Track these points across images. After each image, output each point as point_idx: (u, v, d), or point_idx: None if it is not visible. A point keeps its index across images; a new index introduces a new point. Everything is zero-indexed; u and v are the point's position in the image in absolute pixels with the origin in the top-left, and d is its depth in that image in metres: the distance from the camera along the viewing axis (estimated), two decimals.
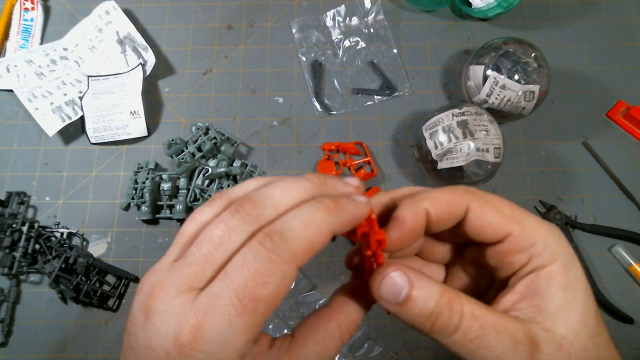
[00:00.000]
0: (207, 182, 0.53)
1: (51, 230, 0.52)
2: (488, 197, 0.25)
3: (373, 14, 0.61)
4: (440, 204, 0.25)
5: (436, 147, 0.48)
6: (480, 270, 0.28)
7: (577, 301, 0.23)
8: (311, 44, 0.61)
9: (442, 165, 0.48)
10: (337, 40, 0.61)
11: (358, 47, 0.60)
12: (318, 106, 0.58)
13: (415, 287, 0.23)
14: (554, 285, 0.23)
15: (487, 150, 0.47)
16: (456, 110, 0.48)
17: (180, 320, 0.20)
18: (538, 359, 0.22)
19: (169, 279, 0.22)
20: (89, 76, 0.59)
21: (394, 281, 0.23)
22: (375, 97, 0.58)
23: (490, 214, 0.24)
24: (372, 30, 0.61)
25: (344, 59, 0.60)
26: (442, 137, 0.48)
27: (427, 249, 0.29)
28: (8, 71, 0.59)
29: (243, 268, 0.21)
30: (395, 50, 0.60)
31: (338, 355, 0.48)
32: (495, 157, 0.47)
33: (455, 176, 0.48)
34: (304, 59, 0.60)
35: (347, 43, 0.61)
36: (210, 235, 0.22)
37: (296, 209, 0.22)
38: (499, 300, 0.24)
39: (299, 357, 0.23)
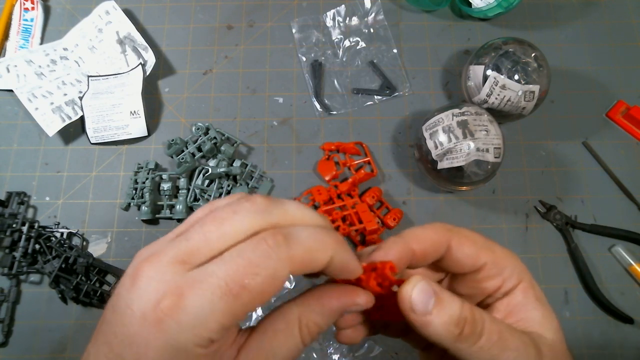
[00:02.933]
0: (207, 182, 0.53)
1: (51, 230, 0.52)
2: (464, 231, 0.27)
3: (373, 14, 0.61)
4: (425, 241, 0.26)
5: (436, 147, 0.48)
6: None
7: (550, 310, 0.26)
8: (311, 44, 0.61)
9: (442, 165, 0.48)
10: (337, 40, 0.61)
11: (358, 47, 0.60)
12: (318, 106, 0.58)
13: (441, 295, 0.23)
14: (531, 298, 0.26)
15: (487, 150, 0.47)
16: (456, 110, 0.48)
17: (166, 286, 0.21)
18: (542, 355, 0.24)
19: (165, 249, 0.22)
20: (89, 76, 0.59)
21: (423, 287, 0.23)
22: (375, 97, 0.58)
23: (469, 247, 0.26)
24: (372, 30, 0.61)
25: (344, 59, 0.60)
26: (442, 137, 0.48)
27: None
28: (8, 71, 0.59)
29: (239, 256, 0.21)
30: (395, 50, 0.60)
31: (338, 355, 0.48)
32: (495, 157, 0.47)
33: (455, 176, 0.48)
34: (304, 59, 0.60)
35: (347, 43, 0.61)
36: (215, 216, 0.22)
37: (308, 225, 0.23)
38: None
39: (252, 351, 0.23)
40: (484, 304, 0.27)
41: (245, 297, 0.21)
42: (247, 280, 0.21)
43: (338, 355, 0.48)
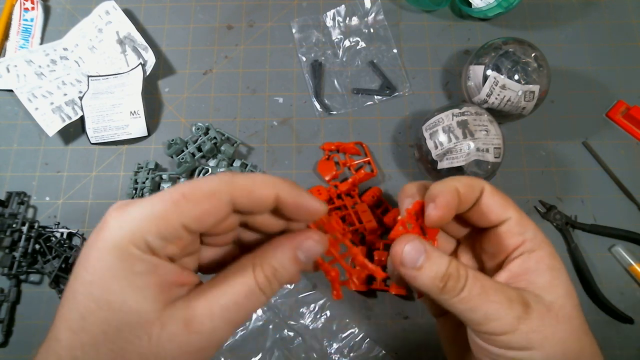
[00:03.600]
0: None
1: (51, 230, 0.52)
2: (492, 186, 0.29)
3: (373, 14, 0.61)
4: (465, 185, 0.28)
5: (436, 147, 0.48)
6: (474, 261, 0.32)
7: (562, 280, 0.27)
8: (311, 44, 0.61)
9: (442, 165, 0.48)
10: (337, 40, 0.61)
11: (358, 47, 0.60)
12: (318, 106, 0.58)
13: (431, 254, 0.26)
14: (543, 266, 0.27)
15: (487, 150, 0.47)
16: (456, 110, 0.48)
17: (122, 204, 0.23)
18: (530, 314, 0.26)
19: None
20: (89, 76, 0.59)
21: (415, 246, 0.26)
22: (375, 97, 0.58)
23: (499, 199, 0.28)
24: (372, 30, 0.61)
25: (344, 59, 0.60)
26: (442, 137, 0.48)
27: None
28: (8, 71, 0.59)
29: (187, 181, 0.24)
30: (395, 50, 0.60)
31: (338, 355, 0.48)
32: (495, 157, 0.47)
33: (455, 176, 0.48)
34: (304, 59, 0.60)
35: (347, 43, 0.61)
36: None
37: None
38: (494, 278, 0.28)
39: (204, 291, 0.23)
40: (505, 265, 0.28)
41: (183, 205, 0.22)
42: (187, 191, 0.22)
43: (338, 356, 0.48)
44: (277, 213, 0.26)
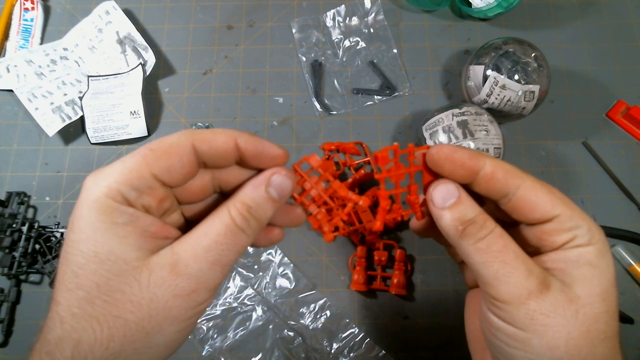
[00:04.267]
0: None
1: (51, 230, 0.52)
2: (537, 179, 0.27)
3: (373, 14, 0.61)
4: (501, 167, 0.26)
5: None
6: None
7: (601, 279, 0.25)
8: (311, 44, 0.61)
9: None
10: (337, 40, 0.61)
11: (358, 47, 0.60)
12: (318, 106, 0.58)
13: (463, 199, 0.27)
14: (584, 260, 0.25)
15: (487, 150, 0.47)
16: (456, 110, 0.48)
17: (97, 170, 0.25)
18: (545, 295, 0.24)
19: None
20: (89, 76, 0.59)
21: (449, 188, 0.27)
22: (375, 97, 0.58)
23: (544, 194, 0.26)
24: (372, 30, 0.61)
25: (344, 59, 0.60)
26: (442, 137, 0.48)
27: None
28: (8, 71, 0.59)
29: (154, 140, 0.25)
30: (395, 50, 0.60)
31: (339, 355, 0.48)
32: (496, 157, 0.47)
33: None
34: (304, 59, 0.60)
35: (347, 43, 0.61)
36: None
37: None
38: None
39: (186, 236, 0.25)
40: (546, 251, 0.27)
41: (150, 157, 0.24)
42: (153, 146, 0.24)
43: (338, 356, 0.48)
44: (244, 165, 0.28)
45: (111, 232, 0.23)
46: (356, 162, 0.55)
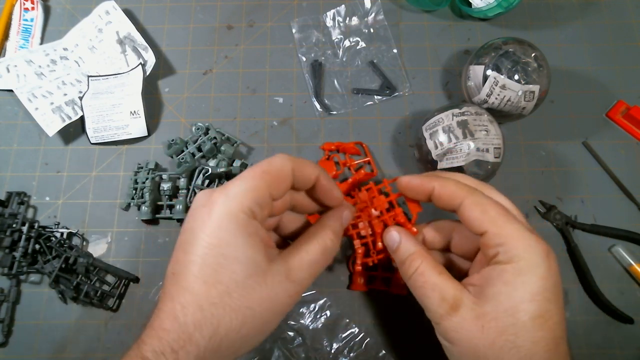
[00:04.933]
0: (207, 182, 0.53)
1: (51, 230, 0.52)
2: (481, 198, 0.33)
3: (373, 14, 0.61)
4: (445, 189, 0.35)
5: (436, 147, 0.48)
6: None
7: (511, 296, 0.30)
8: (311, 44, 0.61)
9: (442, 165, 0.48)
10: (337, 40, 0.61)
11: (358, 47, 0.60)
12: (318, 106, 0.58)
13: (402, 243, 0.37)
14: (499, 278, 0.31)
15: (487, 150, 0.47)
16: (456, 110, 0.48)
17: (216, 191, 0.30)
18: (454, 315, 0.31)
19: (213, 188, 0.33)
20: (89, 76, 0.59)
21: (392, 236, 0.38)
22: (375, 97, 0.58)
23: (475, 213, 0.33)
24: (372, 30, 0.61)
25: (344, 59, 0.60)
26: (442, 137, 0.48)
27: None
28: (8, 71, 0.59)
29: (258, 163, 0.31)
30: (395, 51, 0.60)
31: (338, 356, 0.48)
32: (495, 157, 0.47)
33: None
34: (304, 59, 0.60)
35: (347, 43, 0.61)
36: None
37: None
38: (469, 273, 0.35)
39: (297, 258, 0.32)
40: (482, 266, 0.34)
41: (266, 178, 0.30)
42: (265, 168, 0.31)
43: (338, 356, 0.48)
44: (310, 194, 0.36)
45: (246, 240, 0.29)
46: (356, 162, 0.55)
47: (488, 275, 0.32)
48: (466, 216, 0.33)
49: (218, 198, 0.29)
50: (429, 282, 0.34)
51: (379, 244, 0.41)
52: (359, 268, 0.46)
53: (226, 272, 0.28)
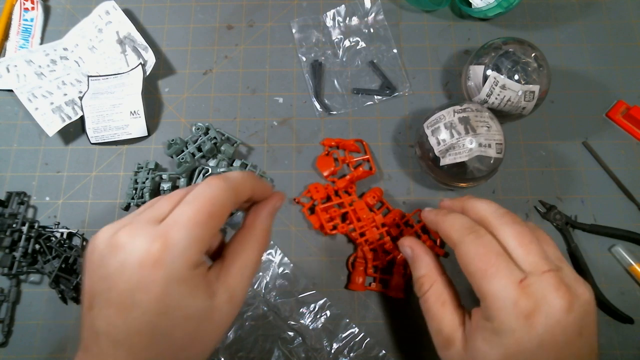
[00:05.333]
0: None
1: (51, 230, 0.52)
2: (469, 247, 0.33)
3: (373, 14, 0.61)
4: (443, 232, 0.36)
5: (438, 144, 0.48)
6: None
7: (489, 355, 0.31)
8: (311, 44, 0.61)
9: (444, 161, 0.48)
10: (337, 40, 0.61)
11: (358, 47, 0.60)
12: (318, 106, 0.58)
13: (415, 261, 0.39)
14: (480, 334, 0.32)
15: (490, 146, 0.47)
16: (457, 107, 0.48)
17: (149, 237, 0.26)
18: (446, 349, 0.34)
19: (135, 219, 0.28)
20: (89, 76, 0.59)
21: (406, 251, 0.41)
22: (375, 97, 0.58)
23: (464, 263, 0.33)
24: (372, 30, 0.61)
25: (344, 59, 0.60)
26: (444, 134, 0.48)
27: None
28: (8, 71, 0.59)
29: (197, 197, 0.28)
30: (395, 51, 0.60)
31: (338, 356, 0.48)
32: (497, 153, 0.47)
33: (457, 173, 0.48)
34: (304, 58, 0.60)
35: (347, 43, 0.61)
36: (169, 196, 0.30)
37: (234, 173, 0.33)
38: (473, 309, 0.35)
39: (236, 277, 0.30)
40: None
41: (211, 222, 0.27)
42: (209, 209, 0.27)
43: (338, 356, 0.48)
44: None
45: (195, 293, 0.27)
46: (355, 159, 0.55)
47: (477, 324, 0.32)
48: (458, 259, 0.34)
49: (161, 255, 0.25)
50: (431, 310, 0.35)
51: (387, 245, 0.47)
52: (370, 271, 0.50)
53: (176, 333, 0.27)
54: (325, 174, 0.54)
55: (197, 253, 0.27)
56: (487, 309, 0.30)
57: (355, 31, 0.61)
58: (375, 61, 0.59)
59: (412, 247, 0.39)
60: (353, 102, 0.58)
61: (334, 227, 0.51)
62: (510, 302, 0.29)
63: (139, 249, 0.26)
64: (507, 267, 0.31)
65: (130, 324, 0.26)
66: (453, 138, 0.47)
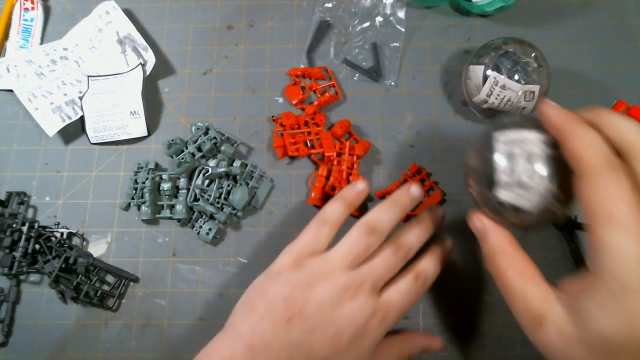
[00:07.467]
0: (207, 182, 0.53)
1: (51, 230, 0.52)
2: (611, 181, 0.27)
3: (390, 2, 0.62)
4: (578, 148, 0.31)
5: (507, 173, 0.35)
6: None
7: (609, 323, 0.24)
8: (331, 6, 0.62)
9: (502, 195, 0.35)
10: (355, 10, 0.62)
11: (366, 26, 0.61)
12: (306, 61, 0.60)
13: (489, 235, 0.36)
14: (592, 298, 0.26)
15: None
16: (546, 137, 0.36)
17: (371, 310, 0.35)
18: (537, 331, 0.29)
19: (363, 280, 0.36)
20: (89, 76, 0.59)
21: (476, 226, 0.37)
22: (359, 75, 0.59)
23: (586, 191, 0.28)
24: (387, 13, 0.62)
25: (350, 29, 0.61)
26: (522, 165, 0.35)
27: None
28: (8, 71, 0.59)
29: (409, 292, 0.38)
30: (397, 44, 0.60)
31: None
32: (565, 213, 0.37)
33: (502, 211, 0.36)
34: (318, 15, 0.61)
35: (361, 21, 0.62)
36: (385, 261, 0.38)
37: (428, 256, 0.42)
38: (573, 278, 0.29)
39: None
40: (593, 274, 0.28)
41: (400, 315, 0.38)
42: (405, 310, 0.38)
43: None
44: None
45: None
46: (321, 86, 0.57)
47: (583, 287, 0.26)
48: (581, 195, 0.27)
49: (376, 328, 0.36)
50: (511, 286, 0.30)
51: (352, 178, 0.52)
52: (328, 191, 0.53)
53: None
54: (295, 102, 0.57)
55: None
56: (604, 265, 0.24)
57: (371, 13, 0.62)
58: (377, 43, 0.60)
59: (481, 219, 0.36)
60: (337, 72, 0.59)
61: (297, 150, 0.54)
62: (636, 257, 0.24)
63: (365, 315, 0.34)
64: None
65: (331, 357, 0.33)
66: (532, 179, 0.34)
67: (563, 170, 0.33)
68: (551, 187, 0.33)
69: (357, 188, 0.44)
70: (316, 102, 0.56)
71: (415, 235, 0.41)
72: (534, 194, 0.34)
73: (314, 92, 0.58)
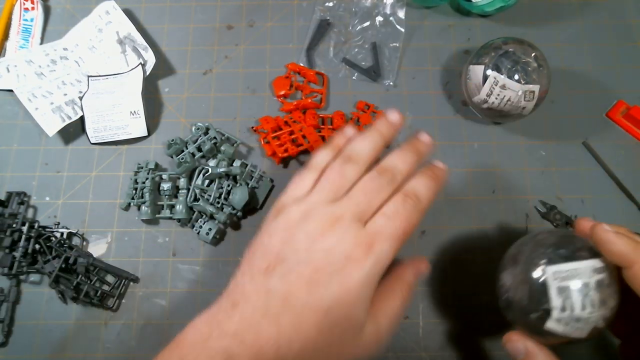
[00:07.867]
0: (207, 182, 0.53)
1: (51, 230, 0.52)
2: None
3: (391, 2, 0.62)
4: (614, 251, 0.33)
5: (561, 310, 0.33)
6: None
7: None
8: (331, 5, 0.62)
9: (551, 325, 0.33)
10: (355, 10, 0.62)
11: (366, 25, 0.61)
12: (305, 59, 0.60)
13: (533, 357, 0.34)
14: None
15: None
16: (598, 264, 0.34)
17: (356, 239, 0.31)
18: None
19: (342, 211, 0.32)
20: (89, 76, 0.59)
21: (516, 348, 0.35)
22: (358, 74, 0.59)
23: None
24: (387, 13, 0.62)
25: (350, 29, 0.61)
26: (576, 298, 0.33)
27: None
28: (8, 71, 0.59)
29: (397, 213, 0.33)
30: (396, 44, 0.60)
31: None
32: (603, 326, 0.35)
33: (546, 335, 0.34)
34: (319, 14, 0.62)
35: (361, 20, 0.62)
36: (364, 187, 0.34)
37: (417, 175, 0.36)
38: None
39: (380, 310, 0.33)
40: None
41: (404, 238, 0.32)
42: (407, 229, 0.32)
43: None
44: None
45: (367, 306, 0.31)
46: (310, 90, 0.58)
47: None
48: (634, 283, 0.30)
49: (364, 260, 0.30)
50: None
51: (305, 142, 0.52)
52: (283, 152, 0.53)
53: (338, 330, 0.30)
54: (279, 93, 0.57)
55: (389, 262, 0.31)
56: None
57: (371, 13, 0.62)
58: (377, 43, 0.60)
59: (525, 342, 0.34)
60: (337, 71, 0.59)
61: (285, 151, 0.53)
62: None
63: (346, 245, 0.30)
64: None
65: (311, 299, 0.29)
66: (585, 310, 0.32)
67: (614, 292, 0.34)
68: (604, 312, 0.33)
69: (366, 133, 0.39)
70: (296, 102, 0.56)
71: (399, 158, 0.36)
72: (586, 323, 0.33)
73: (301, 91, 0.58)
